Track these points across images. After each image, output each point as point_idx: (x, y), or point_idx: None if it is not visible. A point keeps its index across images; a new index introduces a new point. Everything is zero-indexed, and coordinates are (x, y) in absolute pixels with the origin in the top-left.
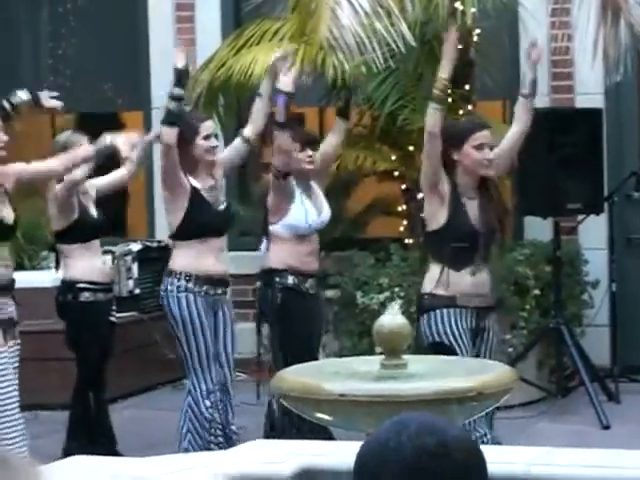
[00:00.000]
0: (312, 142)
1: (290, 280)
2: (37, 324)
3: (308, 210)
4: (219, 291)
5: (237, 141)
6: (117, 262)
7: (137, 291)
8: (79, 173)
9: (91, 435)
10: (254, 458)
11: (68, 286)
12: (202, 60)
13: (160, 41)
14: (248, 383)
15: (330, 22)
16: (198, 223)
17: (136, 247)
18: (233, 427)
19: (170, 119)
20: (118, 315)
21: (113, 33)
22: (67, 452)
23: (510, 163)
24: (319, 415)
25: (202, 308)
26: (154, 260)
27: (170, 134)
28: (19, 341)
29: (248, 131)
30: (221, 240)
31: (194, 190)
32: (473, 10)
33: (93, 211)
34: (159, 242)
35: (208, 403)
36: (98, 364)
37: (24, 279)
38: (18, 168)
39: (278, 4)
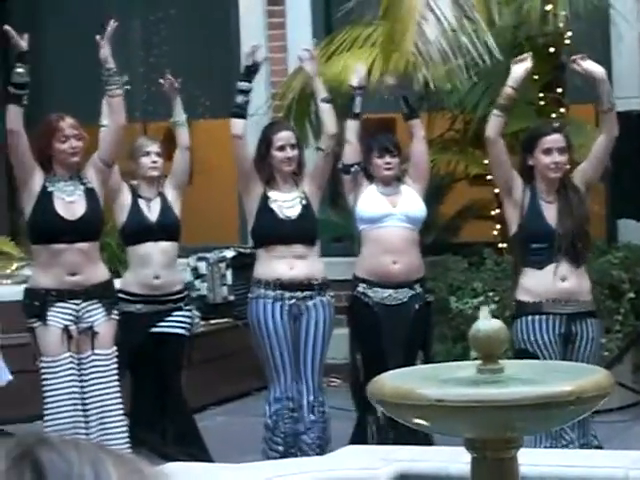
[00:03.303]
0: (390, 149)
1: (360, 288)
2: None
3: (378, 201)
4: (298, 294)
5: (316, 155)
6: (211, 269)
7: (231, 297)
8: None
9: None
10: (350, 464)
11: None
12: (293, 67)
13: None
14: (343, 389)
15: (416, 36)
16: (262, 232)
17: (230, 254)
18: (306, 438)
19: (235, 111)
20: (213, 322)
21: (205, 41)
22: None
23: (602, 170)
24: (416, 421)
25: (277, 315)
26: (247, 266)
27: (235, 125)
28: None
29: (321, 141)
30: (294, 248)
31: (264, 198)
32: (564, 13)
33: (148, 214)
34: (252, 248)
35: (272, 410)
36: (124, 369)
37: None
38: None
39: (368, 10)
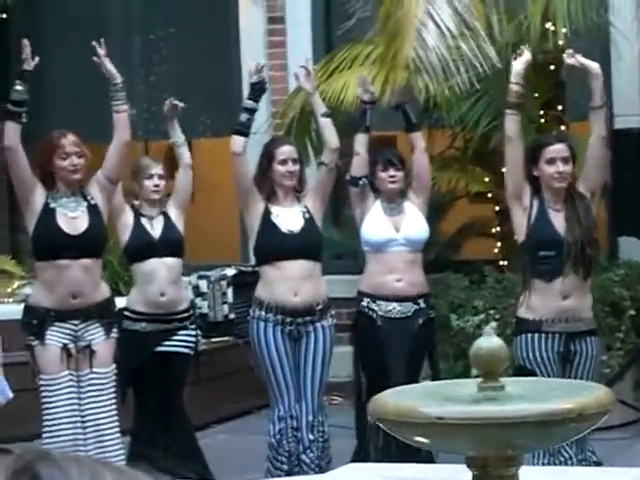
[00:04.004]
0: (394, 162)
1: (364, 302)
2: None
3: (383, 224)
4: (299, 320)
5: (318, 170)
6: (212, 287)
7: (232, 316)
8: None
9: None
10: None
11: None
12: (294, 85)
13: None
14: (345, 407)
15: (415, 43)
16: (266, 247)
17: (231, 272)
18: (304, 458)
19: (238, 128)
20: (213, 340)
21: (205, 59)
22: None
23: (603, 174)
24: (417, 438)
25: (278, 336)
26: (249, 285)
27: (236, 142)
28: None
29: (324, 156)
30: (300, 265)
31: (266, 213)
32: (564, 30)
33: (151, 231)
34: (253, 267)
35: (276, 429)
36: (127, 387)
37: None
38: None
39: (368, 28)
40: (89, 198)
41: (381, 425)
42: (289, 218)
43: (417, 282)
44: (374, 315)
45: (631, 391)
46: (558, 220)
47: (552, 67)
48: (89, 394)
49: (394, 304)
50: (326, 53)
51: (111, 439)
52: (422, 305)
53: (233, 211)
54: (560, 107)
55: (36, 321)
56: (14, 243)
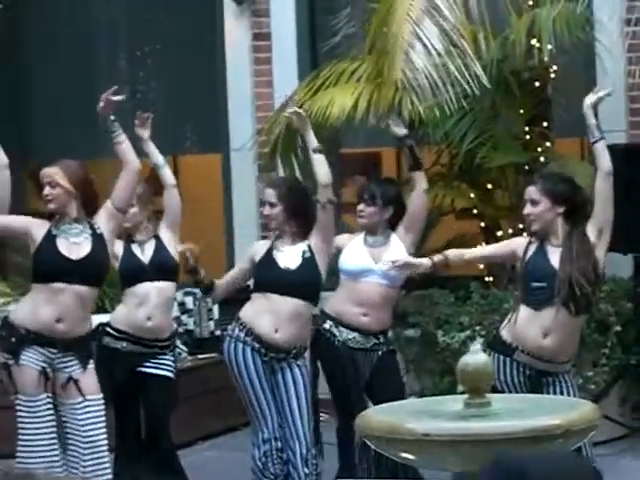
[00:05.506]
0: (364, 197)
1: (326, 325)
2: None
3: (360, 255)
4: (272, 354)
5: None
6: (198, 303)
7: (218, 332)
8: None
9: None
10: None
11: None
12: (279, 102)
13: (238, 83)
14: (331, 423)
15: (404, 64)
16: (260, 279)
17: None
18: None
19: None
20: (200, 356)
21: (191, 76)
22: None
23: (608, 211)
24: (404, 455)
25: (256, 359)
26: (235, 302)
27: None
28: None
29: (318, 193)
30: (289, 303)
31: (270, 248)
32: (550, 47)
33: (141, 256)
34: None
35: (261, 452)
36: (109, 405)
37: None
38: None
39: (354, 45)
40: (95, 227)
41: (367, 442)
42: (289, 255)
43: (383, 319)
44: (335, 340)
45: (617, 407)
46: (554, 255)
47: (537, 83)
48: (87, 420)
49: (355, 334)
50: (312, 70)
51: (105, 459)
52: (382, 340)
53: (219, 227)
54: (545, 123)
55: (14, 339)
56: (1, 262)
